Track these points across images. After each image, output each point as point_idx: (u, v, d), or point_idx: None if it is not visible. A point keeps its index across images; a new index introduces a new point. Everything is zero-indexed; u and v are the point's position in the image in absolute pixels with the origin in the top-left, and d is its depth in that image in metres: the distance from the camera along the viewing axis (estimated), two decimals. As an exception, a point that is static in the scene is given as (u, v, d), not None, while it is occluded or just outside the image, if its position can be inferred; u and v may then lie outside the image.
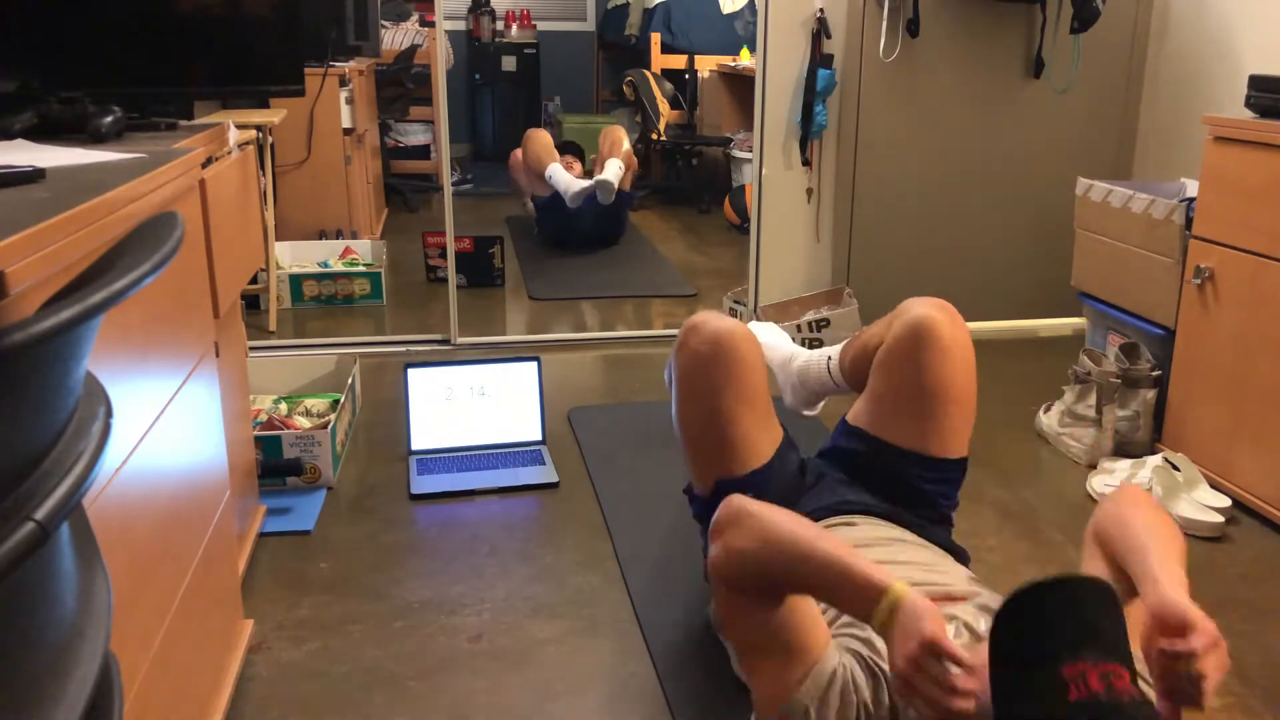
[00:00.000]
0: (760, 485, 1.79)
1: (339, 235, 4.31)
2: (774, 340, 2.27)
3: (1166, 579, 1.24)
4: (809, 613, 1.40)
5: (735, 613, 1.43)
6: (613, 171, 4.70)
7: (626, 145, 4.97)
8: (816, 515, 1.73)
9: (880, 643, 1.41)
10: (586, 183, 4.62)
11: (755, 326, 2.27)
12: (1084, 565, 1.49)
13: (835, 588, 1.29)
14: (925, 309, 1.78)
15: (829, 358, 2.09)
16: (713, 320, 1.78)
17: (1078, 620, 1.13)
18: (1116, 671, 1.10)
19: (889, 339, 1.81)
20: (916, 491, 1.76)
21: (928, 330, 1.75)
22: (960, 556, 1.73)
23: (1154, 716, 1.11)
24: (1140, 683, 1.18)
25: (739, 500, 1.45)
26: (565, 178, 4.69)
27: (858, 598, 1.26)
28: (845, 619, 1.50)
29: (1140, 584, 1.28)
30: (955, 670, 1.15)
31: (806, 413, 2.22)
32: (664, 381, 2.04)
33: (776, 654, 1.37)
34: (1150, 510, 1.43)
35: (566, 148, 5.27)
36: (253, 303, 3.73)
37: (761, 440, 1.79)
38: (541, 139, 4.94)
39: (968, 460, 1.80)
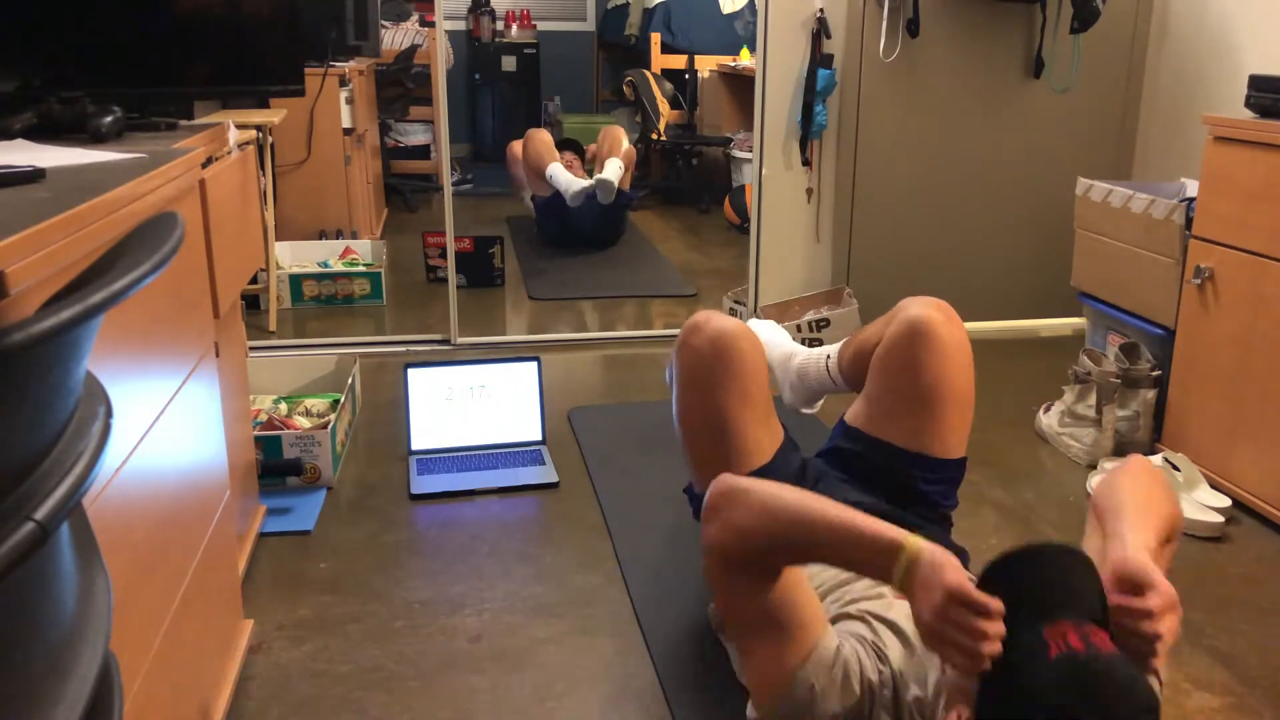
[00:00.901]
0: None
1: (339, 235, 4.31)
2: (774, 338, 2.28)
3: (1133, 540, 1.26)
4: (806, 591, 1.39)
5: (733, 595, 1.41)
6: (613, 171, 4.70)
7: (626, 144, 4.97)
8: None
9: (880, 624, 1.42)
10: (587, 182, 4.61)
11: (755, 324, 2.27)
12: (1085, 538, 1.50)
13: (849, 548, 1.28)
14: (922, 308, 1.78)
15: (828, 356, 2.09)
16: (714, 319, 1.78)
17: (1055, 585, 1.17)
18: (1094, 631, 1.14)
19: (886, 338, 1.81)
20: (916, 492, 1.76)
21: (925, 330, 1.75)
22: (961, 557, 1.73)
23: (1134, 672, 1.12)
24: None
25: (730, 478, 1.43)
26: (566, 177, 4.68)
27: (874, 556, 1.25)
28: (836, 603, 1.50)
29: (1108, 543, 1.30)
30: (981, 617, 1.15)
31: (805, 410, 2.23)
32: (665, 381, 2.04)
33: (776, 634, 1.36)
34: (1143, 478, 1.44)
35: (566, 145, 5.27)
36: (253, 303, 3.73)
37: (762, 440, 1.78)
38: (541, 138, 4.93)
39: (966, 460, 1.80)
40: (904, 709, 1.33)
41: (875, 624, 1.42)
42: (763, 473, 1.77)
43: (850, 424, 1.86)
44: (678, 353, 1.81)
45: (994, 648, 1.14)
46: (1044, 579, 1.18)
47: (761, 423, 1.79)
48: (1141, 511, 1.34)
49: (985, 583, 1.19)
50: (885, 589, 1.50)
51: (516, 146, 5.12)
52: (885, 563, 1.24)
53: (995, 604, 1.15)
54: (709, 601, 1.94)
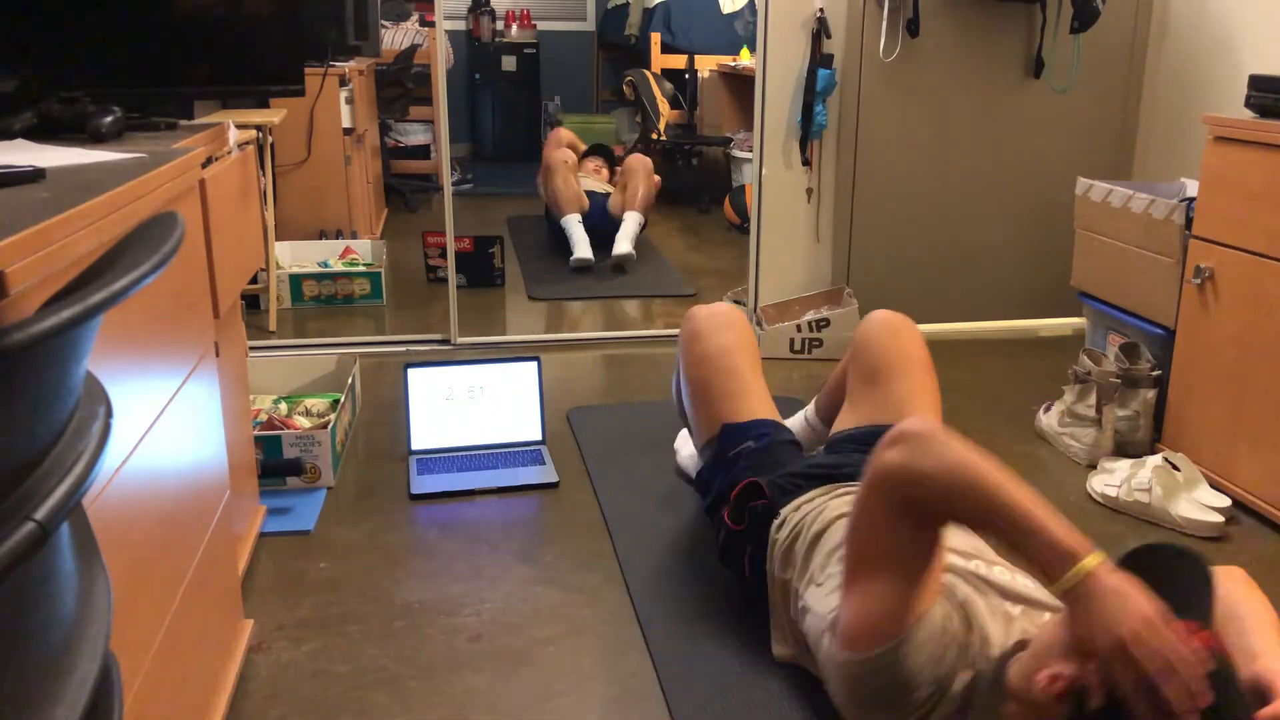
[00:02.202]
0: (762, 434, 1.88)
1: (339, 235, 4.31)
2: None
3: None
4: (943, 555, 1.39)
5: (879, 525, 1.36)
6: (629, 235, 4.54)
7: (646, 187, 4.73)
8: (838, 470, 1.79)
9: (982, 600, 1.43)
10: (589, 255, 4.48)
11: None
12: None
13: (1026, 534, 1.23)
14: (869, 315, 2.06)
15: (803, 411, 2.33)
16: (709, 305, 2.14)
17: (1191, 586, 1.20)
18: (1216, 635, 1.17)
19: (845, 357, 2.08)
20: None
21: (868, 320, 2.02)
22: None
23: (1238, 683, 1.14)
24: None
25: (930, 422, 1.38)
26: (577, 237, 4.56)
27: (1048, 555, 1.21)
28: (957, 557, 1.50)
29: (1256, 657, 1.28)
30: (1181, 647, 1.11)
31: None
32: (670, 389, 2.15)
33: (901, 581, 1.33)
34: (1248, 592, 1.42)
35: (596, 150, 5.24)
36: (253, 303, 3.73)
37: (763, 398, 1.99)
38: (563, 182, 4.70)
39: None
40: (979, 668, 1.34)
41: (985, 594, 1.45)
42: (764, 425, 1.93)
43: (831, 435, 2.00)
44: (681, 331, 2.10)
45: (1206, 699, 1.09)
46: (1161, 579, 1.18)
47: (759, 384, 2.01)
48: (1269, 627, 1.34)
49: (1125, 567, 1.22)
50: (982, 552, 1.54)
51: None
52: (1057, 564, 1.20)
53: (1193, 650, 1.11)
54: (710, 603, 1.95)
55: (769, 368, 3.31)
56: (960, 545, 1.56)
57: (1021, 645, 1.34)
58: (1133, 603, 1.14)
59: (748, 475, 1.83)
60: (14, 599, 0.67)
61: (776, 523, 1.73)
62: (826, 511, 1.66)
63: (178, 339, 1.42)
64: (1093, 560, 1.19)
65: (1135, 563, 1.22)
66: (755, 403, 1.98)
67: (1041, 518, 1.24)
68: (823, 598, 1.55)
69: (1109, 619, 1.14)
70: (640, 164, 4.82)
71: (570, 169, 4.78)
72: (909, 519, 1.34)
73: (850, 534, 1.41)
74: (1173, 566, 1.21)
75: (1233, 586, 1.40)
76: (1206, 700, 1.08)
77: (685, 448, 2.47)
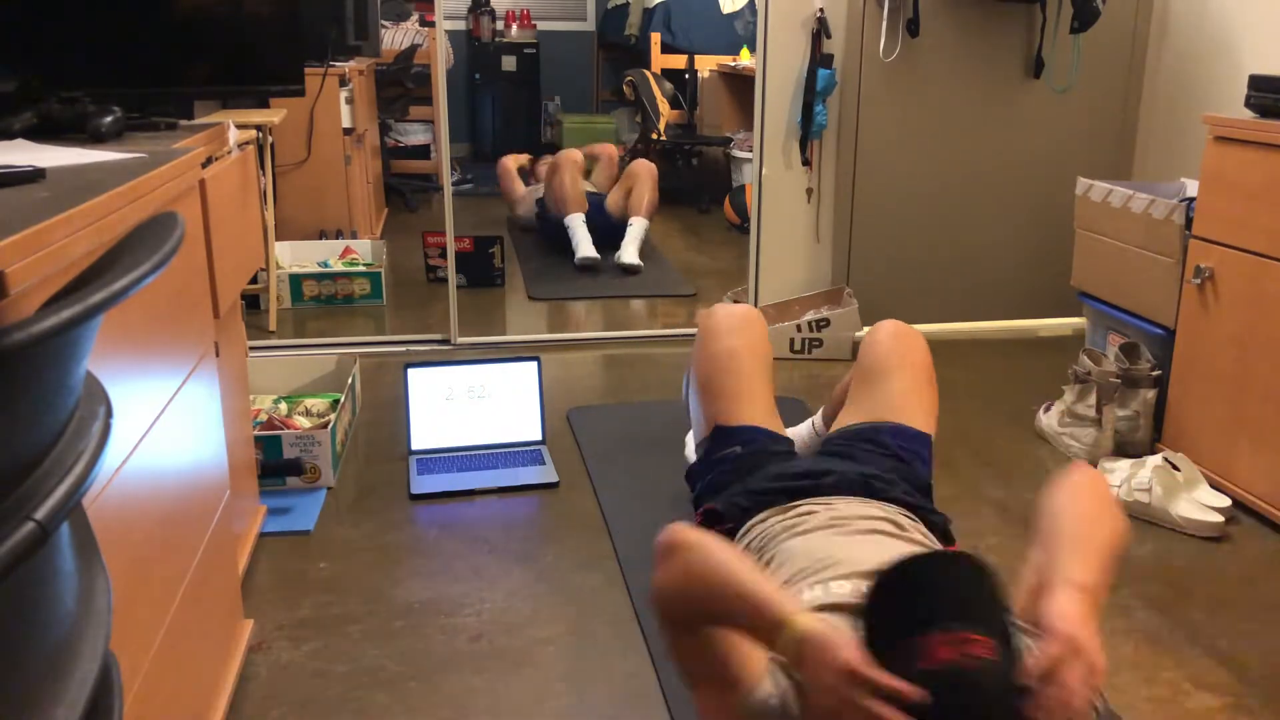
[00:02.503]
0: (751, 441, 1.87)
1: (339, 235, 4.31)
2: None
3: (1065, 587, 1.21)
4: (739, 643, 1.33)
5: (672, 643, 1.38)
6: (635, 241, 4.56)
7: (651, 195, 4.75)
8: (799, 481, 1.73)
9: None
10: (595, 254, 4.49)
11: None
12: (1031, 551, 1.47)
13: (747, 619, 1.23)
14: (877, 324, 2.07)
15: (811, 420, 2.33)
16: (731, 305, 2.14)
17: (938, 594, 1.13)
18: (971, 639, 1.09)
19: (853, 368, 2.09)
20: (890, 453, 1.83)
21: (875, 328, 2.06)
22: (942, 532, 1.71)
23: (1008, 679, 1.09)
24: (1023, 640, 1.17)
25: (679, 530, 1.38)
26: (581, 236, 4.57)
27: (763, 630, 1.20)
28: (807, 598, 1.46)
29: (1046, 586, 1.24)
30: (883, 702, 1.07)
31: None
32: (681, 396, 2.16)
33: (714, 681, 1.33)
34: (1084, 495, 1.39)
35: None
36: (253, 303, 3.73)
37: (764, 405, 1.99)
38: (570, 181, 4.73)
39: (931, 439, 1.90)
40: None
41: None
42: (753, 431, 1.93)
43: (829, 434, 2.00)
44: (699, 327, 2.11)
45: None
46: (925, 588, 1.14)
47: (764, 389, 2.01)
48: (1083, 542, 1.29)
49: (871, 597, 1.16)
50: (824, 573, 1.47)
51: (509, 161, 5.10)
52: (770, 637, 1.19)
53: (905, 688, 1.07)
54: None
55: (769, 368, 3.32)
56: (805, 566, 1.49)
57: None
58: (825, 659, 1.12)
59: (719, 486, 1.84)
60: (14, 599, 0.67)
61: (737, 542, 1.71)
62: (768, 533, 1.64)
63: (178, 339, 1.42)
64: (796, 625, 1.16)
65: (898, 577, 1.15)
66: (753, 408, 1.97)
67: (756, 592, 1.22)
68: None
69: (814, 680, 1.14)
70: (646, 170, 4.82)
71: (579, 168, 4.82)
72: (684, 628, 1.35)
73: (666, 650, 1.42)
74: (939, 574, 1.16)
75: (1064, 497, 1.38)
76: None
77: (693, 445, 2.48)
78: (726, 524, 1.72)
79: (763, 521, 1.67)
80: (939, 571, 1.17)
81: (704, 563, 1.31)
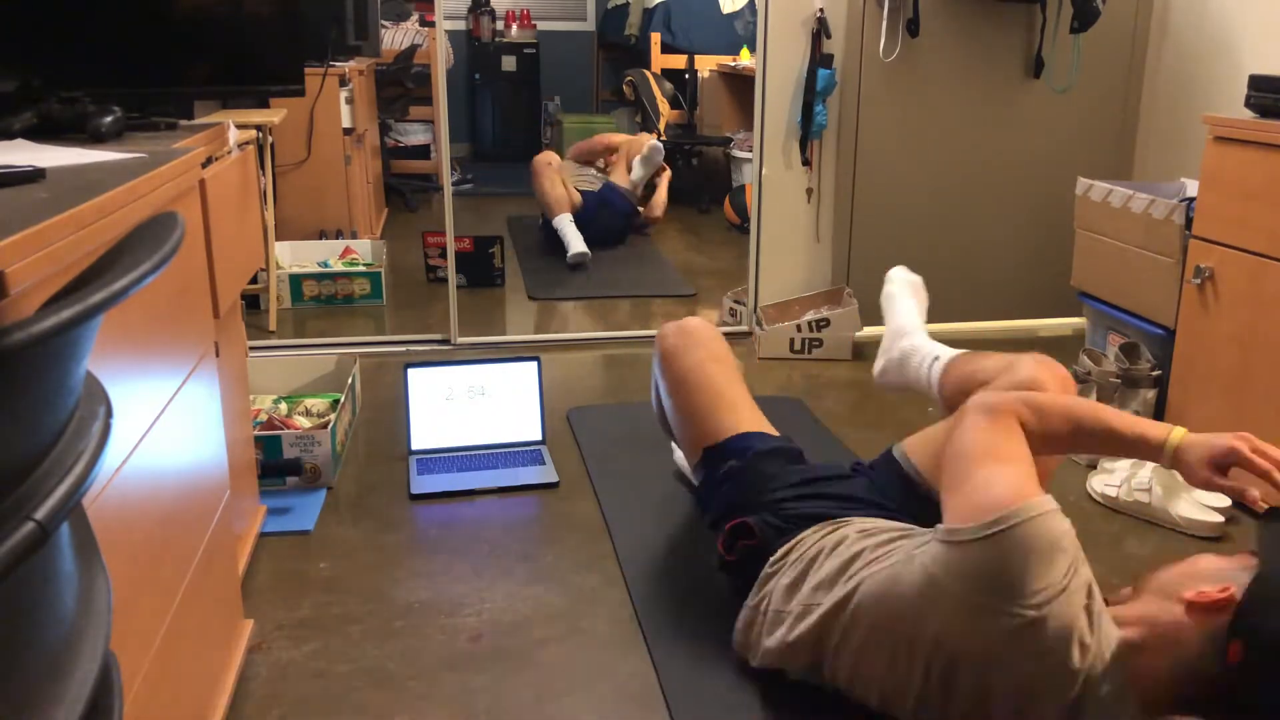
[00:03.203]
0: (744, 449, 1.86)
1: (339, 235, 4.31)
2: (901, 304, 2.26)
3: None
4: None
5: (1008, 435, 1.53)
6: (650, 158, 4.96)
7: (662, 194, 5.22)
8: (816, 502, 1.75)
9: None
10: (585, 249, 4.56)
11: (899, 275, 2.38)
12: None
13: (1128, 441, 1.56)
14: (1037, 372, 1.83)
15: (936, 358, 2.05)
16: (676, 321, 2.14)
17: None
18: None
19: (994, 371, 1.88)
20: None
21: (1045, 364, 1.87)
22: None
23: None
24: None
25: (1030, 397, 1.57)
26: (570, 234, 4.66)
27: (1147, 447, 1.56)
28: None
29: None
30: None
31: (883, 383, 2.19)
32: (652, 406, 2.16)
33: (1023, 464, 1.49)
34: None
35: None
36: (253, 303, 3.73)
37: (742, 406, 1.97)
38: (549, 185, 4.80)
39: None
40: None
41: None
42: (743, 439, 1.91)
43: (909, 457, 1.83)
44: (656, 352, 2.10)
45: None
46: None
47: (738, 390, 2.00)
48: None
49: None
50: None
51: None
52: (1159, 448, 1.54)
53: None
54: (710, 603, 1.95)
55: (769, 367, 3.32)
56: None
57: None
58: (1213, 443, 1.49)
59: (736, 503, 1.83)
60: (14, 599, 0.68)
61: (772, 560, 1.71)
62: (812, 549, 1.65)
63: (178, 339, 1.42)
64: (1177, 433, 1.53)
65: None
66: (733, 416, 1.95)
67: (1134, 426, 1.56)
68: (794, 612, 1.61)
69: (1213, 442, 1.49)
70: (662, 174, 5.17)
71: (555, 170, 4.85)
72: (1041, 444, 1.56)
73: (970, 448, 1.52)
74: None
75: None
76: None
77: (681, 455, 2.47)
78: (753, 540, 1.74)
79: (802, 541, 1.69)
80: None
81: (1078, 408, 1.58)
